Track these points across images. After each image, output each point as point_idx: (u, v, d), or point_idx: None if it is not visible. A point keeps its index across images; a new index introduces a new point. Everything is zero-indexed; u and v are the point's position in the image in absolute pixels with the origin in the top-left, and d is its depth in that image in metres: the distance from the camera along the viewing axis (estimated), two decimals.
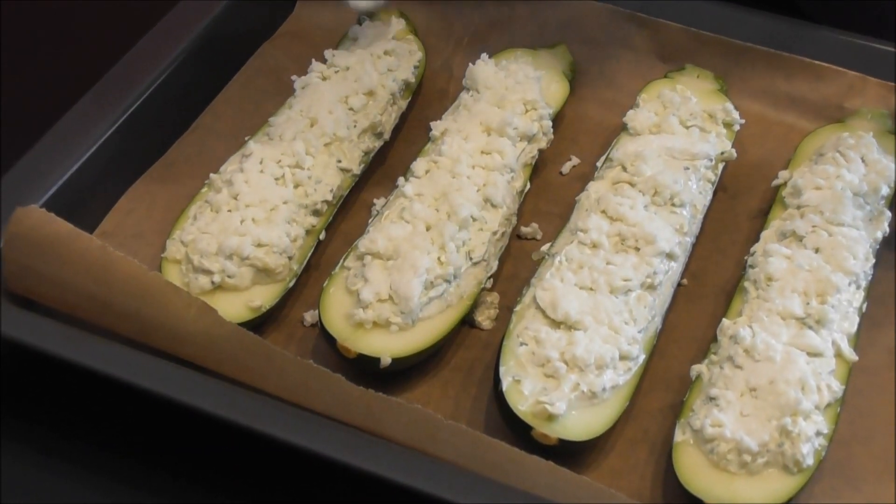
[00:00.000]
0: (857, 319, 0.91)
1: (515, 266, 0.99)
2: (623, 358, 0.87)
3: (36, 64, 1.30)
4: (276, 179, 0.97)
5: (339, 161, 1.01)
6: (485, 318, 0.95)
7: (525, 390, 0.84)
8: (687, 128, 1.03)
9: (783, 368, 0.84)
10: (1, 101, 1.23)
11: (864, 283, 0.93)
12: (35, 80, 1.28)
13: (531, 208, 1.04)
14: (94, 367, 0.82)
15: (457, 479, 0.77)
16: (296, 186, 0.98)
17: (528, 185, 1.03)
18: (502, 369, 0.86)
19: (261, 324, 0.93)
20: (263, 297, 0.93)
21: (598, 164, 1.02)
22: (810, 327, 0.88)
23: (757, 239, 0.97)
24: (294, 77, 1.08)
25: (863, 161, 0.99)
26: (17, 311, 0.87)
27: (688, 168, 0.99)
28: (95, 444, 0.86)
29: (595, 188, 0.98)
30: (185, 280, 0.93)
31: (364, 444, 0.78)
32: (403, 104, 1.09)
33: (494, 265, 0.96)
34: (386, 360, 0.87)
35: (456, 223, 0.94)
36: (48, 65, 1.29)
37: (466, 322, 0.94)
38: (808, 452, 0.81)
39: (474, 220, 0.95)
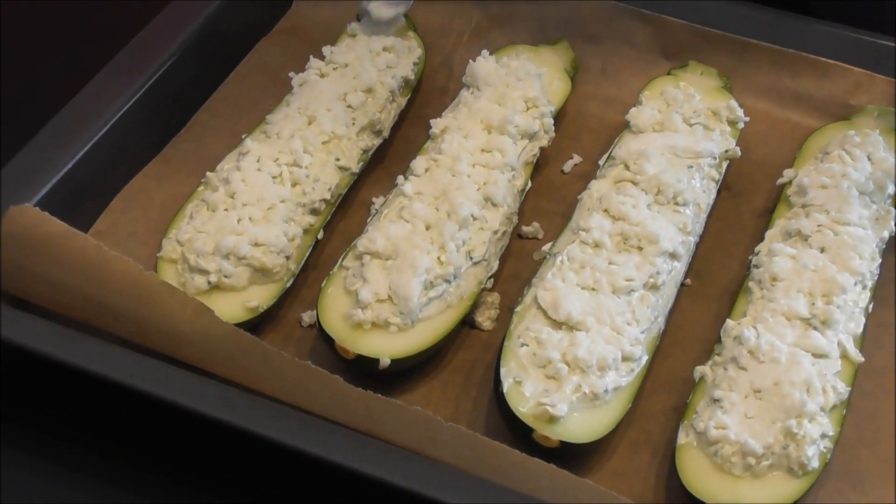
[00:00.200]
0: (863, 320, 0.90)
1: (516, 266, 0.99)
2: (625, 359, 0.86)
3: (30, 62, 1.29)
4: (274, 178, 0.97)
5: (338, 159, 1.01)
6: (485, 319, 0.95)
7: (526, 392, 0.84)
8: (690, 126, 1.03)
9: (788, 370, 0.84)
10: None
11: (870, 283, 0.92)
12: (29, 77, 1.27)
13: (532, 207, 1.03)
14: (89, 369, 0.81)
15: (457, 481, 0.76)
16: (293, 185, 0.97)
17: (530, 184, 1.03)
18: (503, 370, 0.85)
19: (258, 324, 0.93)
20: (261, 297, 0.92)
21: (601, 162, 1.02)
22: (816, 328, 0.87)
23: (761, 238, 0.96)
24: (292, 74, 1.07)
25: (869, 159, 0.99)
26: (11, 312, 0.86)
27: (691, 166, 0.99)
28: (92, 445, 0.86)
29: (597, 187, 0.98)
30: (181, 280, 0.92)
31: (363, 446, 0.78)
32: (403, 101, 1.09)
33: (495, 265, 0.96)
34: (385, 362, 0.87)
35: (456, 222, 0.93)
36: (43, 62, 1.29)
37: (467, 322, 0.94)
38: (813, 455, 0.80)
39: (475, 219, 0.95)
